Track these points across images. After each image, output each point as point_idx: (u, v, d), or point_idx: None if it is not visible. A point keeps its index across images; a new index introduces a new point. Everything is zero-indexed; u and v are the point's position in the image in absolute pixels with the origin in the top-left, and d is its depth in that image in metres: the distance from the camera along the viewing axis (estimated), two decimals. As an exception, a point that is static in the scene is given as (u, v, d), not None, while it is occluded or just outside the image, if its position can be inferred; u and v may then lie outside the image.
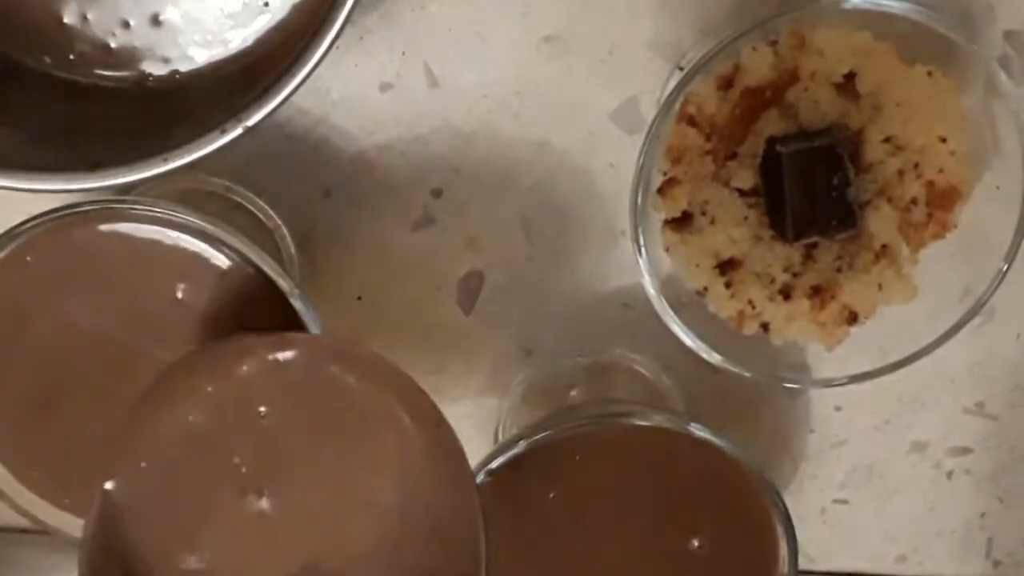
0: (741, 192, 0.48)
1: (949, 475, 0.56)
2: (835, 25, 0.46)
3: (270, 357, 0.42)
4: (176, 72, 0.47)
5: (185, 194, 0.50)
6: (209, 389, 0.42)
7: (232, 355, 0.42)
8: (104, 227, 0.46)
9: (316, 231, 0.52)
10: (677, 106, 0.46)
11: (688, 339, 0.49)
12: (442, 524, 0.41)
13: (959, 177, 0.48)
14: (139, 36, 0.47)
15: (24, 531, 0.51)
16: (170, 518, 0.42)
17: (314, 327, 0.45)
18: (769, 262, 0.48)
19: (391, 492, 0.41)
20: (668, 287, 0.49)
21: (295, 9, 0.46)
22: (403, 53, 0.51)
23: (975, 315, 0.49)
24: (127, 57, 0.47)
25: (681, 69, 0.50)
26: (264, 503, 0.41)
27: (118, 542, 0.41)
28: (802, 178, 0.47)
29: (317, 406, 0.42)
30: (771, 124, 0.47)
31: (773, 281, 0.48)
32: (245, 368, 0.42)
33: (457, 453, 0.41)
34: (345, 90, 0.51)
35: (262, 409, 0.41)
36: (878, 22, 0.46)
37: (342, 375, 0.42)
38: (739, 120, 0.47)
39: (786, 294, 0.49)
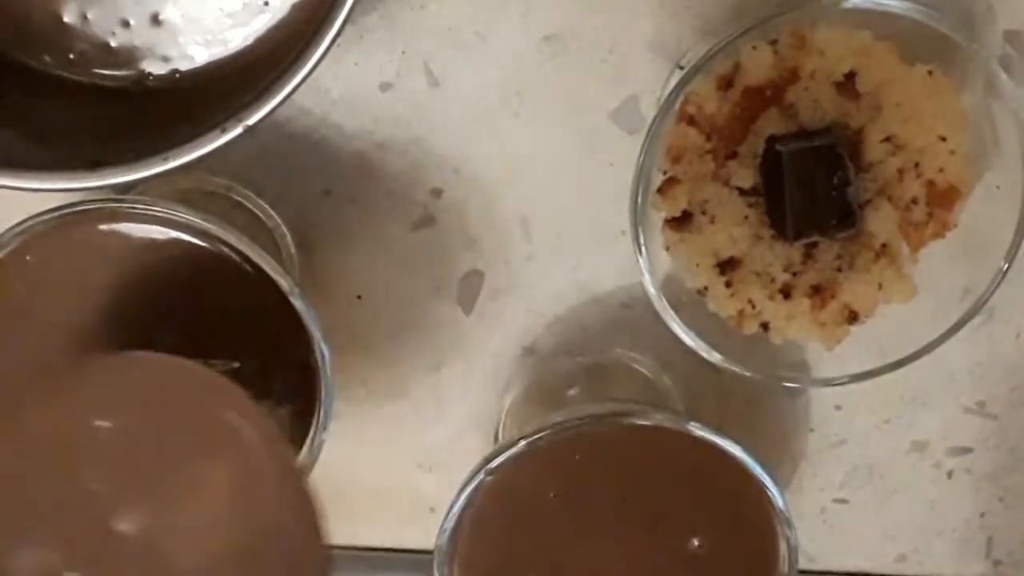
0: (741, 191, 0.48)
1: (949, 475, 0.56)
2: (835, 24, 0.46)
3: (108, 373, 0.42)
4: (176, 71, 0.47)
5: (185, 194, 0.50)
6: (47, 402, 0.41)
7: (72, 370, 0.42)
8: (104, 227, 0.46)
9: (316, 231, 0.52)
10: (677, 106, 0.46)
11: (688, 339, 0.49)
12: (286, 539, 0.41)
13: (959, 177, 0.48)
14: (139, 35, 0.47)
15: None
16: (20, 536, 0.41)
17: (314, 327, 0.46)
18: (769, 261, 0.48)
19: (236, 508, 0.41)
20: (668, 287, 0.49)
21: (295, 8, 0.46)
22: (403, 53, 0.51)
23: (975, 315, 0.49)
24: (127, 56, 0.47)
25: (681, 69, 0.50)
26: (114, 518, 0.41)
27: None
28: (802, 177, 0.46)
29: (158, 423, 0.41)
30: (771, 123, 0.47)
31: (773, 280, 0.48)
32: (84, 384, 0.42)
33: (292, 469, 0.42)
34: (345, 90, 0.51)
35: (101, 423, 0.41)
36: (878, 22, 0.46)
37: (181, 394, 0.42)
38: (739, 119, 0.47)
39: (786, 293, 0.48)
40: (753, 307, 0.48)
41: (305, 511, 0.41)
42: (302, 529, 0.41)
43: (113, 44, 0.47)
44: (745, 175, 0.47)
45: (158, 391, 0.41)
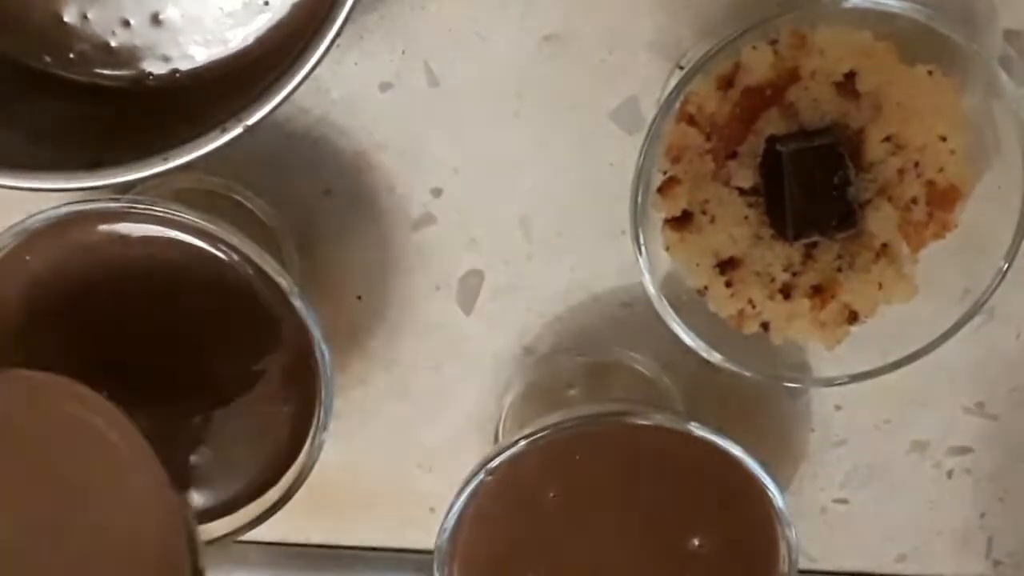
0: (741, 191, 0.48)
1: (949, 475, 0.56)
2: (835, 24, 0.46)
3: None
4: (176, 71, 0.47)
5: (185, 193, 0.50)
6: None
7: None
8: (103, 227, 0.46)
9: (316, 231, 0.52)
10: (677, 105, 0.46)
11: (688, 338, 0.49)
12: (156, 548, 0.42)
13: (959, 177, 0.48)
14: (139, 35, 0.47)
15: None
16: None
17: (314, 327, 0.46)
18: (769, 261, 0.48)
19: (105, 515, 0.42)
20: (668, 286, 0.49)
21: (295, 8, 0.46)
22: (403, 53, 0.51)
23: (975, 315, 0.49)
24: (127, 56, 0.47)
25: (681, 68, 0.50)
26: None
27: None
28: (802, 177, 0.46)
29: (27, 435, 0.42)
30: (771, 123, 0.47)
31: (773, 280, 0.48)
32: None
33: (163, 481, 0.42)
34: (345, 89, 0.51)
35: None
36: (878, 22, 0.46)
37: (51, 407, 0.42)
38: (739, 119, 0.47)
39: (786, 293, 0.48)
40: (753, 307, 0.48)
41: (175, 522, 0.42)
42: (172, 539, 0.42)
43: (113, 44, 0.47)
44: (745, 175, 0.47)
45: (27, 405, 0.42)
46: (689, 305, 0.49)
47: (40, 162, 0.44)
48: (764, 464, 0.47)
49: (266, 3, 0.47)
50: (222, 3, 0.47)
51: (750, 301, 0.48)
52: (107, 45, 0.47)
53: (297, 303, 0.45)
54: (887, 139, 0.47)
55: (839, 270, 0.49)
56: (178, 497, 0.42)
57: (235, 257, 0.46)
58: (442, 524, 0.47)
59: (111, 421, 0.42)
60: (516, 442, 0.47)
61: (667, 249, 0.48)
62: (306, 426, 0.47)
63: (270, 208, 0.51)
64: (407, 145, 0.52)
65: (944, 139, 0.47)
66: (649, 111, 0.51)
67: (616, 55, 0.51)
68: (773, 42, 0.46)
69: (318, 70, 0.43)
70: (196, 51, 0.47)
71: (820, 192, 0.47)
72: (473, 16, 0.50)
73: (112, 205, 0.45)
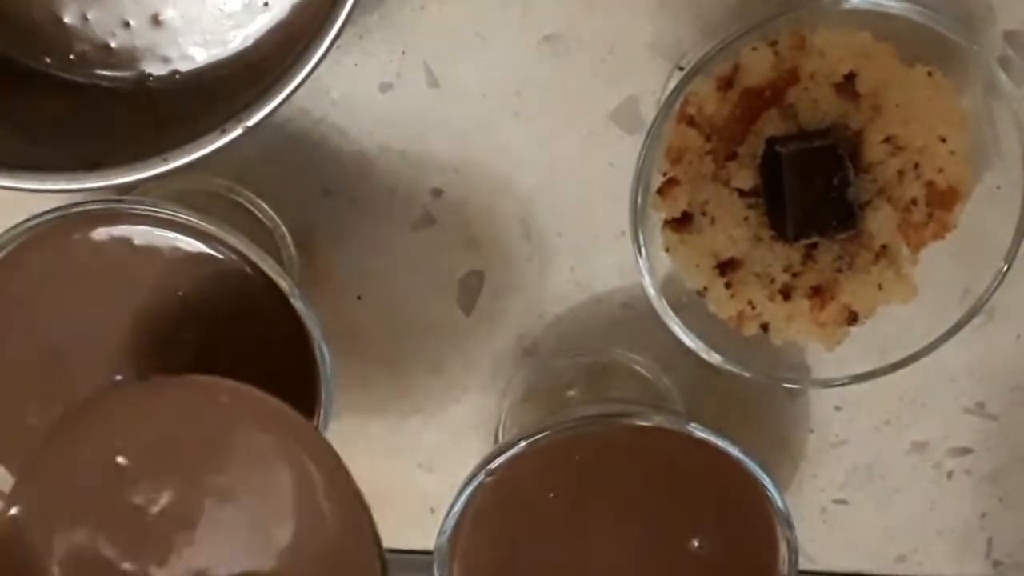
0: (741, 192, 0.48)
1: (949, 475, 0.56)
2: (835, 25, 0.46)
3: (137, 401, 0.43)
4: (176, 72, 0.47)
5: (185, 194, 0.50)
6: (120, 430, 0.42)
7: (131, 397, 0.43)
8: (104, 227, 0.46)
9: (316, 231, 0.52)
10: (677, 106, 0.46)
11: (688, 339, 0.49)
12: (342, 561, 0.43)
13: (959, 177, 0.48)
14: (139, 36, 0.47)
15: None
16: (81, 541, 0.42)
17: (314, 327, 0.46)
18: (769, 262, 0.48)
19: (291, 532, 0.42)
20: (668, 287, 0.49)
21: (295, 9, 0.46)
22: (403, 53, 0.51)
23: (975, 315, 0.49)
24: (127, 57, 0.47)
25: (681, 69, 0.50)
26: (173, 536, 0.42)
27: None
28: (802, 178, 0.47)
29: (213, 449, 0.42)
30: (771, 124, 0.47)
31: (773, 281, 0.49)
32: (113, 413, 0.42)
33: (354, 493, 0.43)
34: (345, 90, 0.51)
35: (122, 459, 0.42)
36: (878, 22, 0.46)
37: (241, 420, 0.42)
38: (739, 120, 0.47)
39: (786, 294, 0.49)
40: (753, 308, 0.48)
41: (359, 532, 0.43)
42: (357, 549, 0.43)
43: (113, 45, 0.47)
44: (745, 176, 0.47)
45: (212, 415, 0.42)
46: (689, 306, 0.49)
47: (40, 163, 0.44)
48: (764, 465, 0.47)
49: (266, 4, 0.47)
50: (222, 4, 0.47)
51: (750, 302, 0.48)
52: (107, 46, 0.47)
53: (297, 304, 0.45)
54: (887, 140, 0.47)
55: (839, 271, 0.49)
56: (366, 508, 0.43)
57: (235, 257, 0.46)
58: (442, 524, 0.47)
59: (301, 436, 0.42)
60: (516, 443, 0.47)
61: (667, 250, 0.48)
62: (306, 426, 0.47)
63: (270, 208, 0.51)
64: (407, 145, 0.52)
65: (944, 140, 0.47)
66: (649, 111, 0.51)
67: (616, 55, 0.51)
68: (773, 43, 0.46)
69: (318, 71, 0.43)
70: (196, 52, 0.47)
71: (820, 193, 0.47)
72: (473, 16, 0.50)
73: (112, 206, 0.45)
